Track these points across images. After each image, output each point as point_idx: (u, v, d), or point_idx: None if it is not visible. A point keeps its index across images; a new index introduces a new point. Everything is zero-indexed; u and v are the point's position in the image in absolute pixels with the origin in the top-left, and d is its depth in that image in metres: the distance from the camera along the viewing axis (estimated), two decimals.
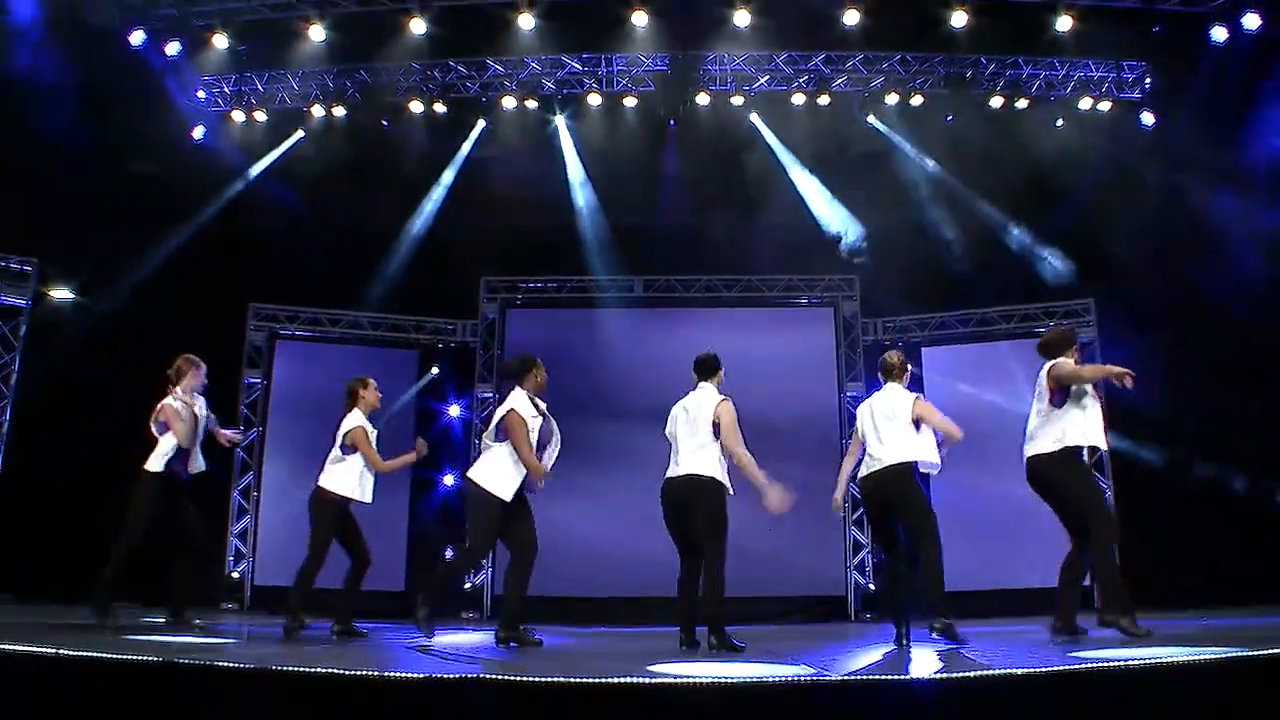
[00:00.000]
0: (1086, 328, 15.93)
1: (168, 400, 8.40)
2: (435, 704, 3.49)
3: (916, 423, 7.16)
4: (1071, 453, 6.88)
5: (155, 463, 8.20)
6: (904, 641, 6.96)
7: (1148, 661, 3.69)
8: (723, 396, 7.21)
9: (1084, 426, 6.86)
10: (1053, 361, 7.01)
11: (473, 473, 7.39)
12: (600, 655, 6.80)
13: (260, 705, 3.56)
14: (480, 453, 7.59)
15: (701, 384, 7.39)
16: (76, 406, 13.35)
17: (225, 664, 3.78)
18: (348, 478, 8.37)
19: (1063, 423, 6.88)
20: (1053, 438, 6.90)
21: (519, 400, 7.39)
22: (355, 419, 8.49)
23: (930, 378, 16.31)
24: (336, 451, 8.40)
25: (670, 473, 7.19)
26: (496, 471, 7.25)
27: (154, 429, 8.32)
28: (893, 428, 7.14)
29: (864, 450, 7.35)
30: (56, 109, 12.93)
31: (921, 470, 7.20)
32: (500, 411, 7.42)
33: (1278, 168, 13.25)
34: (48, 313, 14.61)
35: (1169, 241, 13.91)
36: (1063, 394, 6.92)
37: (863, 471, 7.28)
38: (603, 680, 3.51)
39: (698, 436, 7.05)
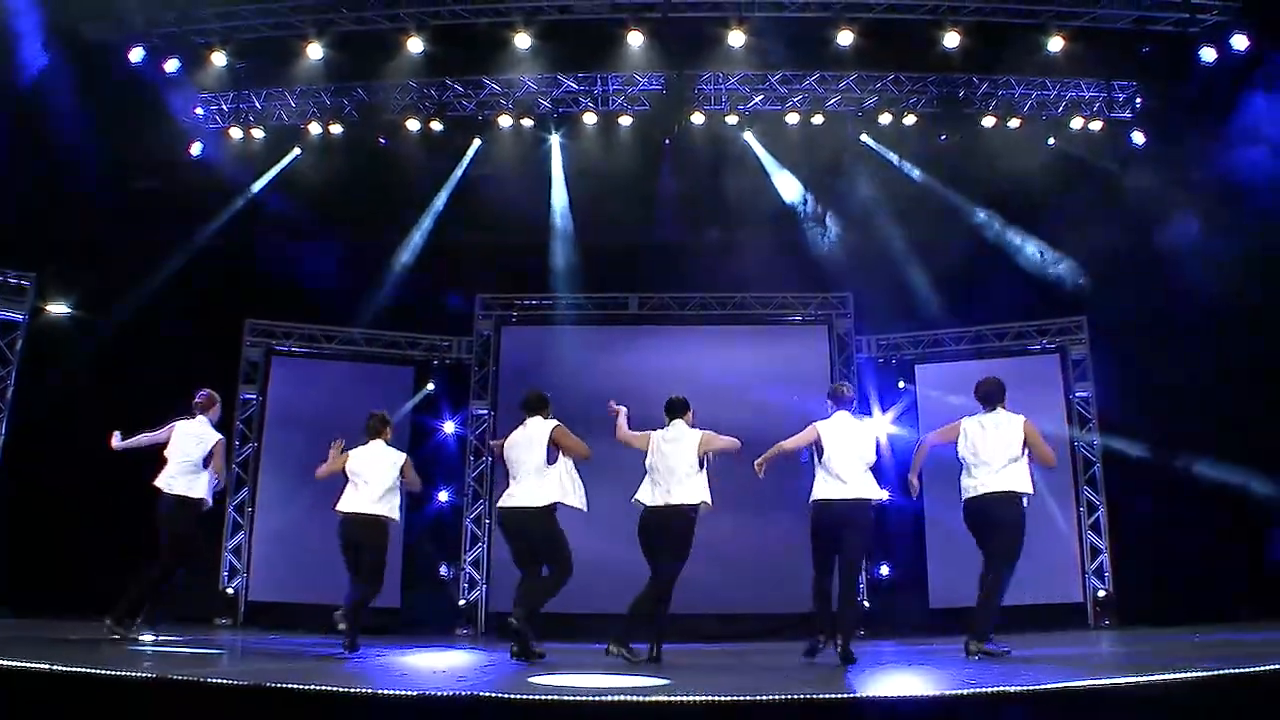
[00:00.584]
0: (1079, 345, 16.02)
1: (218, 435, 9.06)
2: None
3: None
4: (1022, 497, 7.62)
5: (205, 495, 8.91)
6: (851, 658, 7.17)
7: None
8: (699, 431, 7.86)
9: (1029, 479, 7.66)
10: (1026, 418, 7.75)
11: (540, 499, 7.63)
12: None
13: None
14: (520, 481, 7.79)
15: (675, 422, 7.96)
16: (73, 421, 13.38)
17: (219, 680, 3.82)
18: (399, 506, 8.88)
19: (1021, 472, 7.64)
20: (1011, 483, 7.58)
21: (551, 422, 7.88)
22: (399, 452, 8.94)
23: (923, 394, 16.39)
24: (393, 482, 8.71)
25: (656, 501, 7.69)
26: (567, 488, 7.69)
27: (199, 457, 8.83)
28: (862, 461, 7.55)
29: (823, 469, 7.66)
30: (57, 125, 13.01)
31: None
32: (542, 435, 7.75)
33: (1260, 184, 13.36)
34: (45, 327, 14.65)
35: (1160, 258, 14.02)
36: (1025, 447, 7.67)
37: (828, 494, 7.55)
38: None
39: (681, 469, 7.68)
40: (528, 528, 7.63)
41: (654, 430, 8.01)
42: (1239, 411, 13.10)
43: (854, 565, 7.55)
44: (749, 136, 16.72)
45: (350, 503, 8.61)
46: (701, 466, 7.72)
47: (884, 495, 7.65)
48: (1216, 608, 12.50)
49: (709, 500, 7.65)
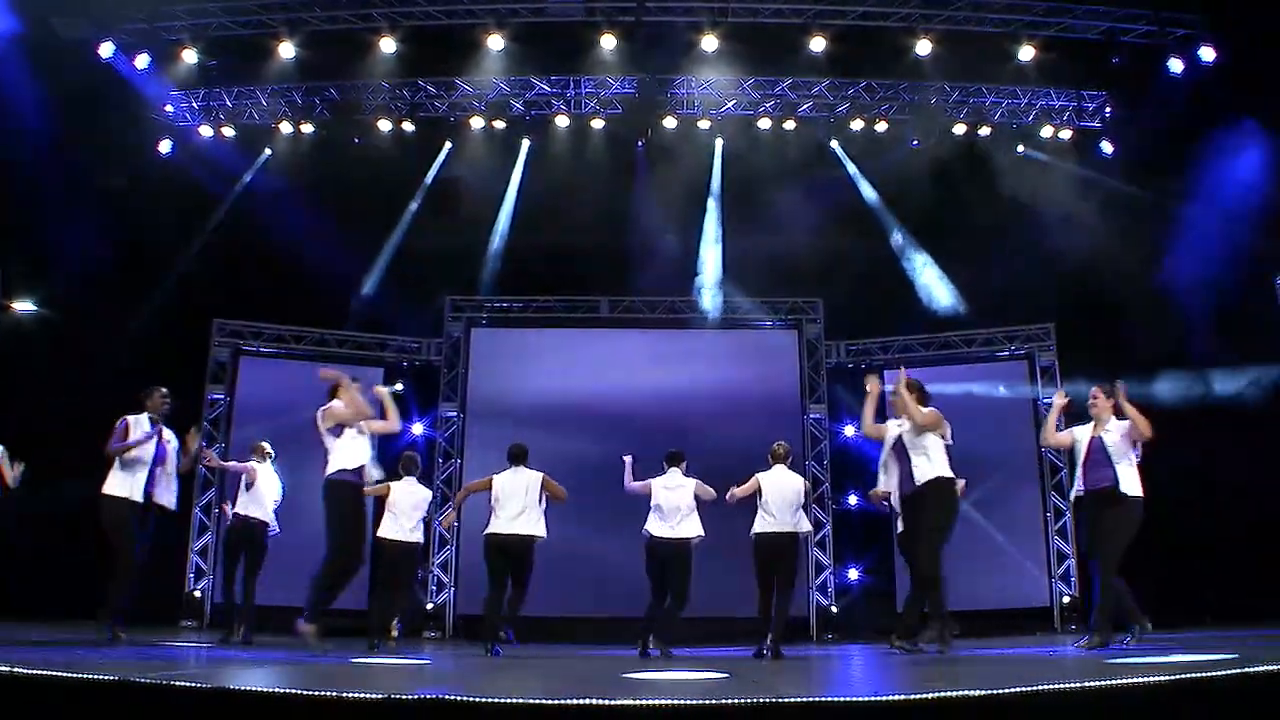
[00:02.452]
0: (1047, 351, 16.15)
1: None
2: None
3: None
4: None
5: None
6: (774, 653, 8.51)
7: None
8: (693, 480, 9.59)
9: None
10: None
11: (533, 529, 9.36)
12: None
13: None
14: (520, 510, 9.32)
15: (672, 469, 9.67)
16: (37, 420, 13.23)
17: (182, 684, 3.78)
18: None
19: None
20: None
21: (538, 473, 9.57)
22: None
23: (890, 397, 16.49)
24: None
25: (665, 534, 9.42)
26: (544, 525, 9.44)
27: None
28: (791, 505, 9.10)
29: (762, 509, 9.19)
30: (24, 121, 12.87)
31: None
32: (536, 483, 9.45)
33: (1226, 192, 13.53)
34: (9, 325, 14.48)
35: (1125, 266, 14.12)
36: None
37: (763, 528, 9.09)
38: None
39: (684, 509, 9.46)
40: (524, 552, 9.33)
41: (654, 479, 9.65)
42: (1209, 418, 13.21)
43: (789, 583, 9.08)
44: (720, 142, 16.78)
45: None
46: (694, 509, 9.50)
47: (809, 529, 9.58)
48: (1181, 613, 12.60)
49: (702, 533, 9.46)
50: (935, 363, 16.57)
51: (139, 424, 8.68)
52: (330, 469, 8.01)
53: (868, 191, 16.95)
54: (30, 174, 13.12)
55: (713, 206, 16.84)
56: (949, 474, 8.03)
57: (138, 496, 8.47)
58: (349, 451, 8.08)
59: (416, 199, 17.01)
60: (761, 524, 9.08)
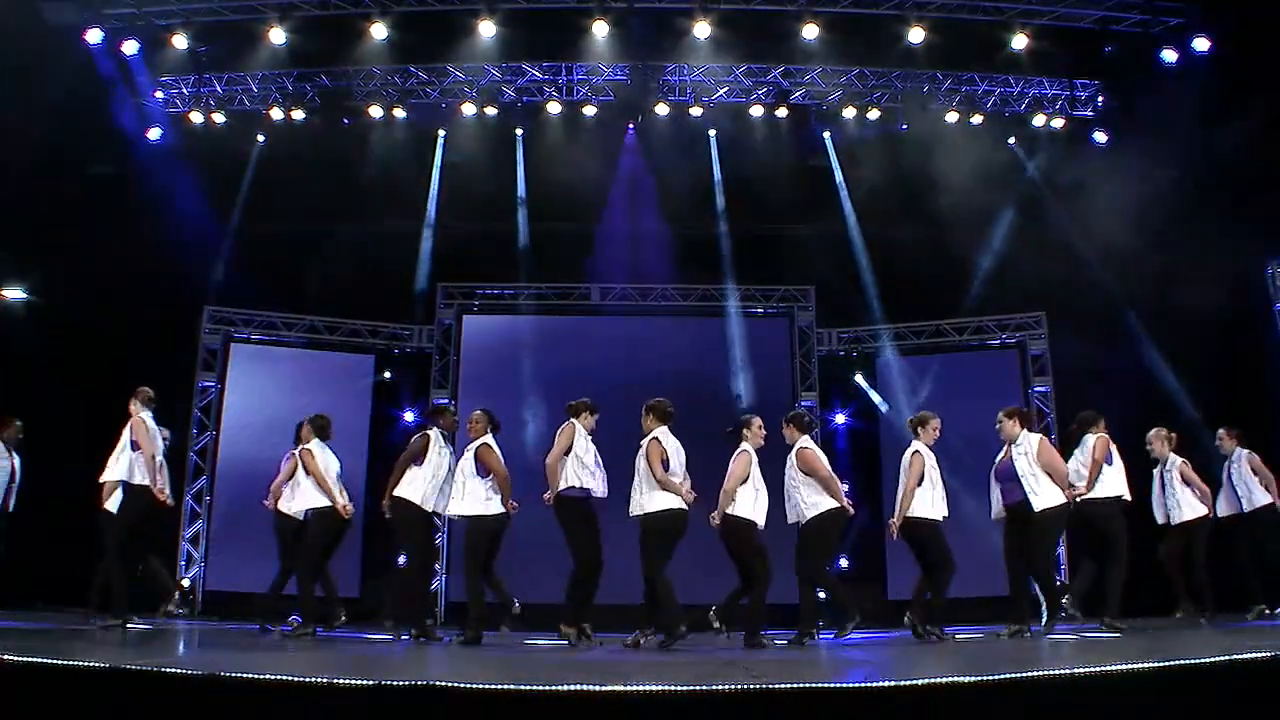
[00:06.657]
0: (1038, 340, 16.17)
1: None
2: (385, 711, 3.51)
3: None
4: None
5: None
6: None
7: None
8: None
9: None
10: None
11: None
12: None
13: (208, 711, 3.56)
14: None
15: None
16: (28, 408, 13.17)
17: (173, 670, 3.78)
18: None
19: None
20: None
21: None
22: None
23: (883, 387, 16.53)
24: None
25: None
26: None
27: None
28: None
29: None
30: (10, 108, 12.79)
31: None
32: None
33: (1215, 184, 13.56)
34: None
35: (1118, 256, 14.15)
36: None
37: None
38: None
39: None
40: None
41: None
42: (1200, 411, 13.24)
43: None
44: (713, 130, 16.77)
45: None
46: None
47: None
48: (1165, 603, 12.64)
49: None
50: (926, 351, 16.61)
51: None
52: None
53: (859, 178, 16.91)
54: (18, 161, 13.03)
55: (704, 193, 16.82)
56: None
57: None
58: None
59: (407, 185, 16.92)
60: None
